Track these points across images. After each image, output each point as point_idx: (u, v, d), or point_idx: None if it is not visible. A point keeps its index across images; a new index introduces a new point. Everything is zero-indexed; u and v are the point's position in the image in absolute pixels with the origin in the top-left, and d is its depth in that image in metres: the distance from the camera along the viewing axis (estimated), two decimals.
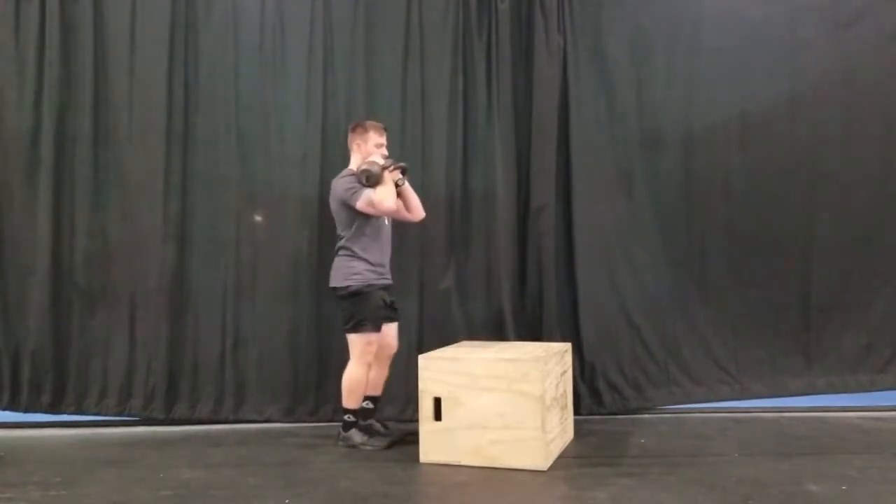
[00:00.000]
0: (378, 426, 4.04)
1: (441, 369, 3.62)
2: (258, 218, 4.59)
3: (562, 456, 3.70)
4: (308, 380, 4.52)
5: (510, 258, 4.58)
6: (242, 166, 4.56)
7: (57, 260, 4.41)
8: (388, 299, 3.99)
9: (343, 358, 3.98)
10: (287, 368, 4.52)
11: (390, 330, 4.07)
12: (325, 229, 4.54)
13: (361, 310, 3.88)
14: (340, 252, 3.97)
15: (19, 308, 4.41)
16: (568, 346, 4.14)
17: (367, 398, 4.01)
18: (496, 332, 4.50)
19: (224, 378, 4.49)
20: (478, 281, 4.62)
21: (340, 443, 3.97)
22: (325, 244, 4.54)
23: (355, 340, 3.91)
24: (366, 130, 4.04)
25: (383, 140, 4.08)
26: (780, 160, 4.70)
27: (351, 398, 3.94)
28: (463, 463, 3.54)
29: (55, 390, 4.39)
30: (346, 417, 3.96)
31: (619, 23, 4.70)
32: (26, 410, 4.38)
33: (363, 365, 3.91)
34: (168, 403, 4.45)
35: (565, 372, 3.96)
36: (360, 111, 4.57)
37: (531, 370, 3.49)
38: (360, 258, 3.92)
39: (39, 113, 4.42)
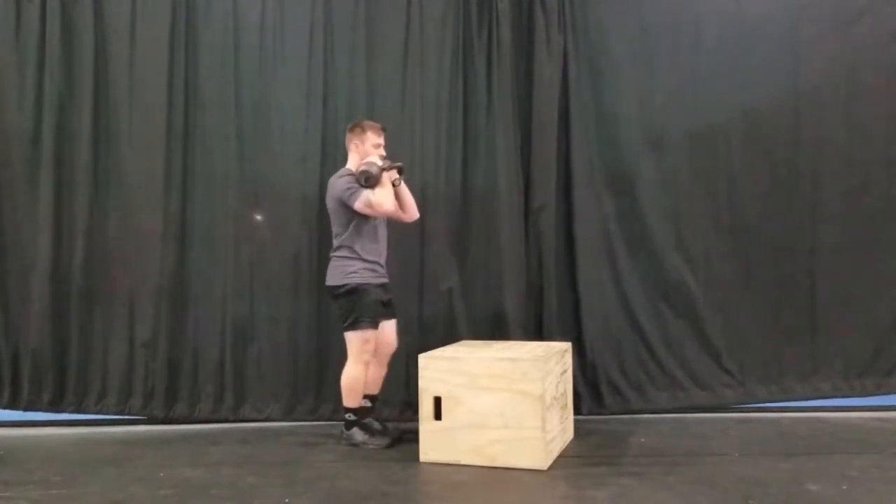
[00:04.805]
0: (376, 424, 4.05)
1: (441, 368, 3.62)
2: (258, 217, 4.59)
3: (562, 455, 3.69)
4: (308, 379, 4.53)
5: (511, 257, 4.57)
6: (242, 166, 4.56)
7: (57, 259, 4.42)
8: (384, 297, 3.99)
9: (343, 356, 3.97)
10: (287, 367, 4.52)
11: (388, 328, 4.07)
12: (325, 228, 4.52)
13: (358, 307, 3.88)
14: (337, 251, 3.97)
15: (20, 307, 4.42)
16: (568, 345, 4.14)
17: (365, 396, 4.01)
18: (497, 331, 4.50)
19: (224, 377, 4.50)
20: (478, 280, 4.62)
21: (343, 441, 3.97)
22: (324, 243, 4.53)
23: (352, 338, 3.91)
24: (364, 130, 4.03)
25: (381, 140, 4.06)
26: (783, 159, 4.67)
27: (350, 397, 3.94)
28: (463, 462, 3.53)
29: (55, 389, 4.41)
30: (346, 416, 3.97)
31: (620, 21, 4.69)
32: (26, 409, 4.40)
33: (361, 363, 3.91)
34: (168, 403, 4.46)
35: (565, 371, 3.96)
36: (360, 111, 4.58)
37: (531, 369, 3.49)
38: (356, 258, 3.92)
39: (40, 112, 4.44)
